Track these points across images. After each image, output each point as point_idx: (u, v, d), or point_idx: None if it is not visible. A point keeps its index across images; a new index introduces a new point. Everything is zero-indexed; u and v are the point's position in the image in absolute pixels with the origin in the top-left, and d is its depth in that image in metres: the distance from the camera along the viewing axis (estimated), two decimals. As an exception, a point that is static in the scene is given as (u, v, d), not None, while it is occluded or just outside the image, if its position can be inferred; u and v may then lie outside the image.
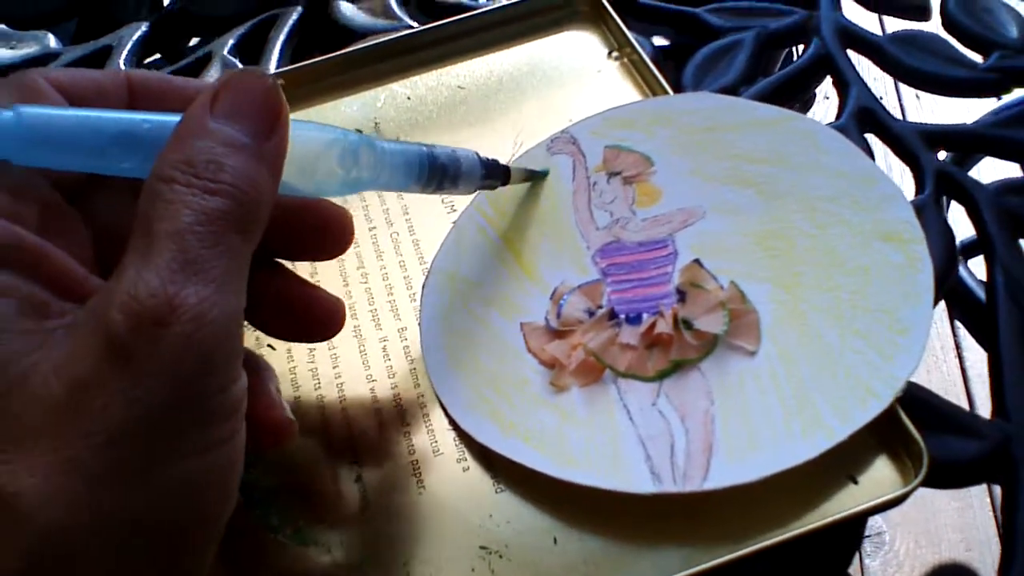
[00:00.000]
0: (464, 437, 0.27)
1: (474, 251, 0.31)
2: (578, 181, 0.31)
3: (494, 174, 0.28)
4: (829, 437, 0.24)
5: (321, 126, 0.23)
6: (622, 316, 0.28)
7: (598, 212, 0.30)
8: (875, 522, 0.87)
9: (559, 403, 0.27)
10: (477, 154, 0.28)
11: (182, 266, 0.18)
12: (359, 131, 0.24)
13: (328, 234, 0.26)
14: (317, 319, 0.26)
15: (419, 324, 0.30)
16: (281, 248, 0.25)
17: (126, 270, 0.18)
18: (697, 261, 0.28)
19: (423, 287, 0.30)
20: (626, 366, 0.27)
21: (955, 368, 0.95)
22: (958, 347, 0.97)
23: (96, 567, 0.18)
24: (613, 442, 0.25)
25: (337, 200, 0.25)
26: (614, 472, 0.25)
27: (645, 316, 0.27)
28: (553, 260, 0.30)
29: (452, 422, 0.27)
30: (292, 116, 0.21)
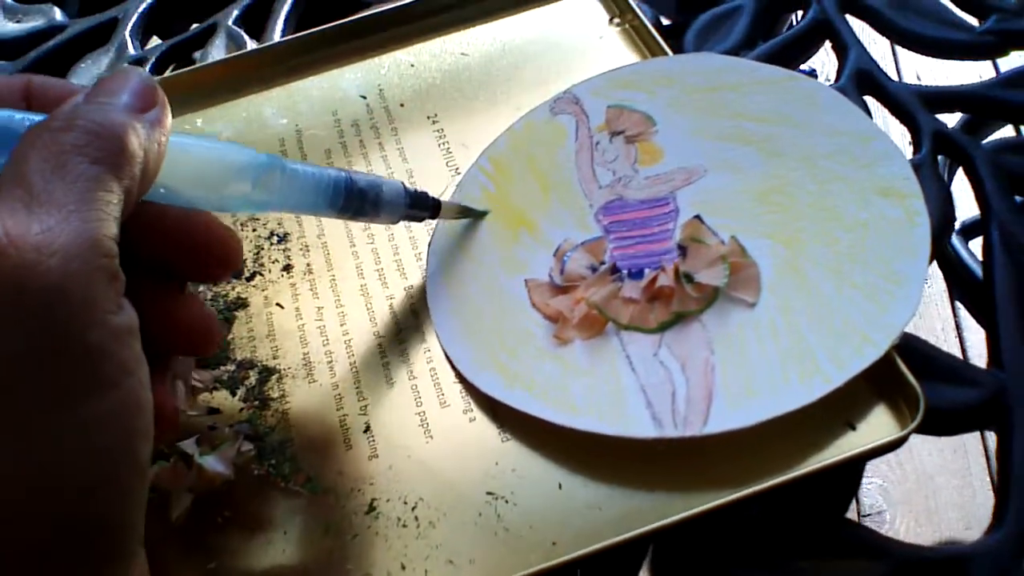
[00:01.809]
0: (470, 389, 0.27)
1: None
2: (581, 140, 0.32)
3: (420, 204, 0.28)
4: (826, 382, 0.25)
5: (231, 145, 0.23)
6: (624, 271, 0.28)
7: (600, 170, 0.31)
8: (875, 501, 0.88)
9: (562, 355, 0.27)
10: (403, 184, 0.28)
11: (25, 204, 0.17)
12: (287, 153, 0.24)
13: (213, 258, 0.24)
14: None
15: (424, 282, 0.30)
16: (169, 264, 0.24)
17: None
18: (698, 217, 0.29)
19: (428, 246, 0.31)
20: (628, 319, 0.27)
21: (955, 348, 0.95)
22: (958, 327, 0.97)
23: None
24: (615, 391, 0.26)
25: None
26: (616, 418, 0.25)
27: (647, 271, 0.28)
28: (556, 218, 0.30)
29: (458, 375, 0.28)
30: (202, 135, 0.20)
